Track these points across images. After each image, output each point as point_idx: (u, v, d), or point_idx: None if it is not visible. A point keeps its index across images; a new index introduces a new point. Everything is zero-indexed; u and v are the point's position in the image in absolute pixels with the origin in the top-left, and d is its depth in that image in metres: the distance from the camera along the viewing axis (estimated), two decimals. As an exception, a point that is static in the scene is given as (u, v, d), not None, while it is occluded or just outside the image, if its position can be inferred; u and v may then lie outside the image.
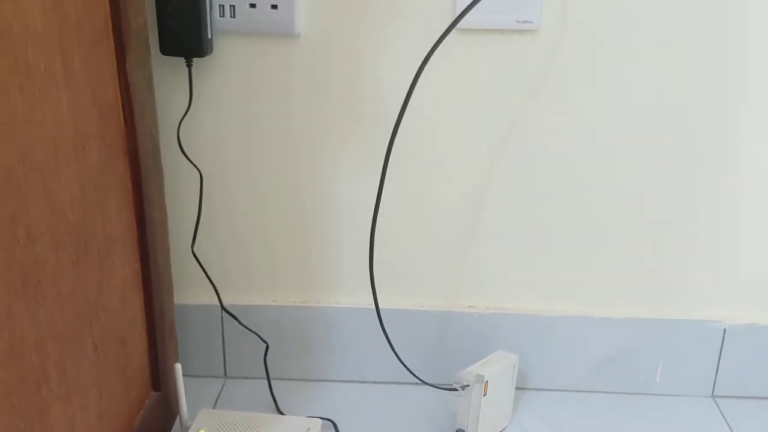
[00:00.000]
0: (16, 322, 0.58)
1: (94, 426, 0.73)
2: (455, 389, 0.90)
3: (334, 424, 0.96)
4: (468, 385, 0.89)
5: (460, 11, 0.81)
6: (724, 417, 1.00)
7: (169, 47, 0.87)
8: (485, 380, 0.89)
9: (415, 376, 0.96)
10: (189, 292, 1.02)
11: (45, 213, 0.61)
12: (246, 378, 1.05)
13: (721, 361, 1.02)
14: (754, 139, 0.93)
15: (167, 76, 0.91)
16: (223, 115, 0.94)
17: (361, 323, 1.01)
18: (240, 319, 0.99)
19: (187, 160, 0.93)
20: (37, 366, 0.61)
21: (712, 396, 1.04)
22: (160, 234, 0.88)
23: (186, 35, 0.86)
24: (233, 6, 0.88)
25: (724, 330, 1.00)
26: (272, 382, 1.01)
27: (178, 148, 0.92)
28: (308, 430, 0.90)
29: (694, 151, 0.93)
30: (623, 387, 1.04)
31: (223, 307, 1.00)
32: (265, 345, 1.01)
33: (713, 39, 0.88)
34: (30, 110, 0.59)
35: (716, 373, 1.03)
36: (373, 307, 0.91)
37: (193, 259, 0.96)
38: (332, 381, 1.05)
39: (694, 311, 1.01)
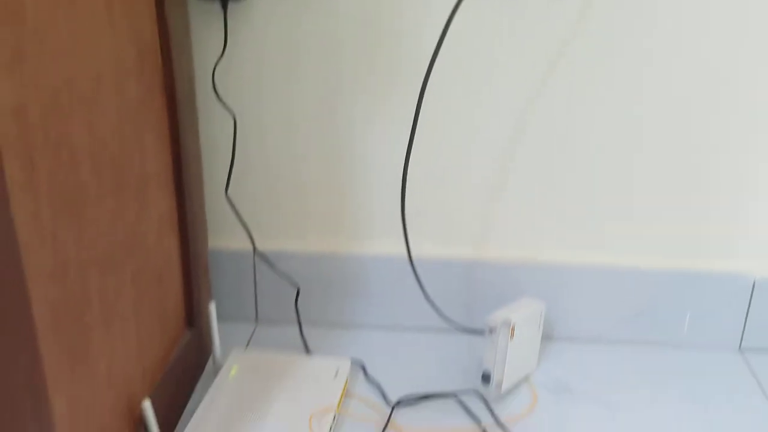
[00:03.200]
0: (60, 243, 0.60)
1: (133, 357, 0.76)
2: (482, 332, 0.92)
3: (363, 366, 0.98)
4: (495, 328, 0.91)
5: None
6: (750, 370, 1.00)
7: (204, -9, 0.88)
8: (512, 324, 0.90)
9: (444, 316, 0.98)
10: (222, 236, 1.04)
11: (87, 140, 0.63)
12: (277, 322, 1.07)
13: (749, 314, 1.02)
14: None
15: (203, 19, 0.92)
16: (257, 60, 0.95)
17: (391, 270, 1.02)
18: (272, 264, 1.01)
19: (221, 104, 0.95)
20: (79, 290, 0.64)
21: (740, 349, 1.04)
22: (194, 175, 0.90)
23: (221, -22, 0.87)
24: (268, -50, 0.88)
25: (754, 282, 1.00)
26: (303, 326, 1.03)
27: (213, 92, 0.94)
28: (338, 369, 0.92)
29: (723, 104, 0.93)
30: (650, 338, 1.04)
31: (255, 252, 1.02)
32: (296, 290, 1.03)
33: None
34: (74, 42, 0.60)
35: (744, 325, 1.03)
36: (403, 253, 0.93)
37: (227, 203, 0.98)
38: (362, 326, 1.07)
39: (722, 263, 1.01)
